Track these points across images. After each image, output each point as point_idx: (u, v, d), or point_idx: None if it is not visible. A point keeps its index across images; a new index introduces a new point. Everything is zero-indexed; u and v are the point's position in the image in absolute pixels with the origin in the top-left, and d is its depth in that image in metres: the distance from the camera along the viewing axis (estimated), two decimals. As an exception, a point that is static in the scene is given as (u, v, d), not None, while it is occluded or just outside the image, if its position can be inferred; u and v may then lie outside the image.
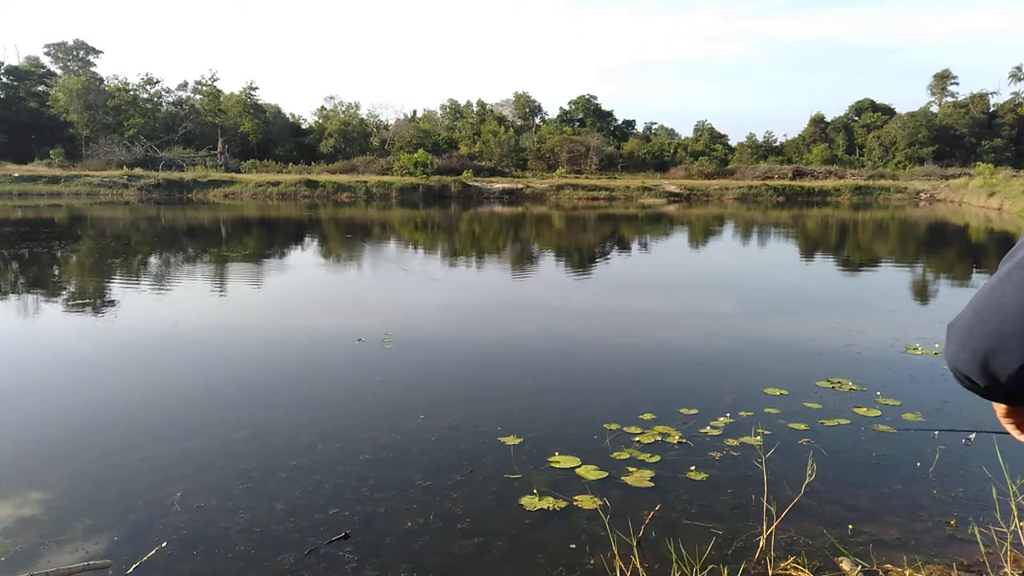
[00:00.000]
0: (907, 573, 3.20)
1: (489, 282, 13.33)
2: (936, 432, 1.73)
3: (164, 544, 3.45)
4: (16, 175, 42.15)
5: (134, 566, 3.25)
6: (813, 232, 25.74)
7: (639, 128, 71.93)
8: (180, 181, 43.20)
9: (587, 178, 52.18)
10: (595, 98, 68.49)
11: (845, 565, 3.27)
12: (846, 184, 48.86)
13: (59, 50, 59.74)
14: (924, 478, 4.30)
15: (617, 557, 3.11)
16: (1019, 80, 63.27)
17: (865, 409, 5.49)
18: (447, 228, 26.46)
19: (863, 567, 3.25)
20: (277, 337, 8.18)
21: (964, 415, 5.40)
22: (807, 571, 3.22)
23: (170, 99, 60.31)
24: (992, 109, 63.76)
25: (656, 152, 62.66)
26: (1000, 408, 1.20)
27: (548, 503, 3.93)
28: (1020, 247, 0.99)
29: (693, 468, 4.38)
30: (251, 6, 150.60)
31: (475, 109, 68.33)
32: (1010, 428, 1.23)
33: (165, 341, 7.82)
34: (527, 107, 69.52)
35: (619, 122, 70.21)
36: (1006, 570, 3.19)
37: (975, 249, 19.95)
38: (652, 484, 4.19)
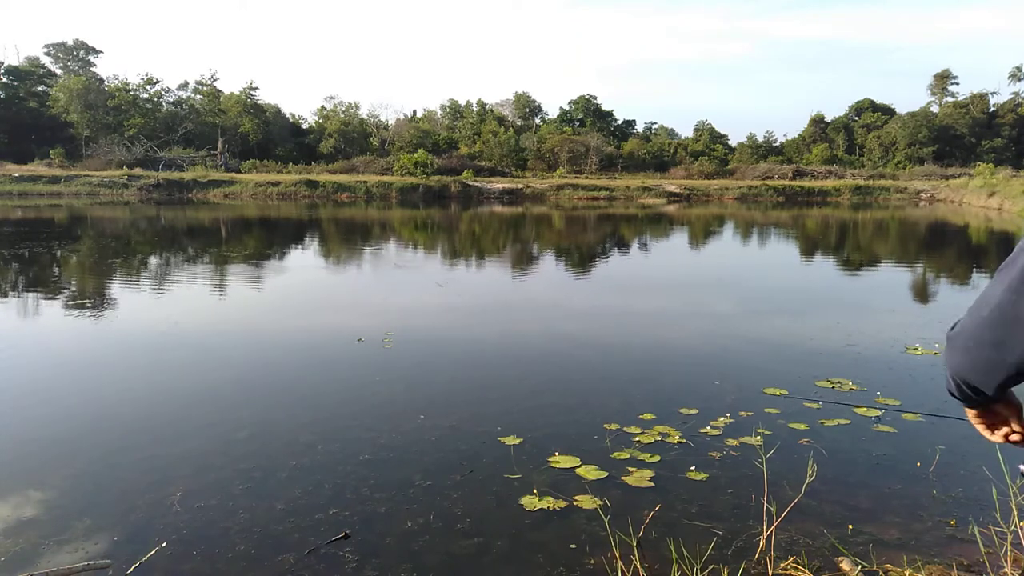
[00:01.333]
0: (907, 573, 3.20)
1: (489, 282, 13.33)
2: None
3: (164, 544, 3.45)
4: (16, 175, 42.15)
5: (134, 566, 3.25)
6: (813, 232, 25.74)
7: (639, 128, 71.97)
8: (180, 181, 43.20)
9: (587, 178, 52.18)
10: (595, 98, 68.57)
11: (845, 565, 3.27)
12: (846, 184, 48.86)
13: (59, 50, 59.74)
14: (924, 478, 4.30)
15: (618, 557, 3.11)
16: (1019, 80, 63.30)
17: (865, 409, 5.49)
18: (447, 228, 26.46)
19: (863, 567, 3.25)
20: (277, 337, 8.18)
21: (964, 415, 5.40)
22: (807, 571, 3.21)
23: (170, 99, 60.36)
24: (992, 109, 63.78)
25: (656, 152, 62.68)
26: (971, 411, 1.20)
27: (548, 503, 3.93)
28: (1019, 253, 0.98)
29: (693, 468, 4.38)
30: (251, 6, 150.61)
31: (475, 109, 68.35)
32: (981, 428, 1.23)
33: (165, 341, 7.82)
34: (527, 107, 69.55)
35: (619, 122, 70.24)
36: (1006, 570, 3.19)
37: (975, 249, 19.95)
38: (652, 484, 4.19)
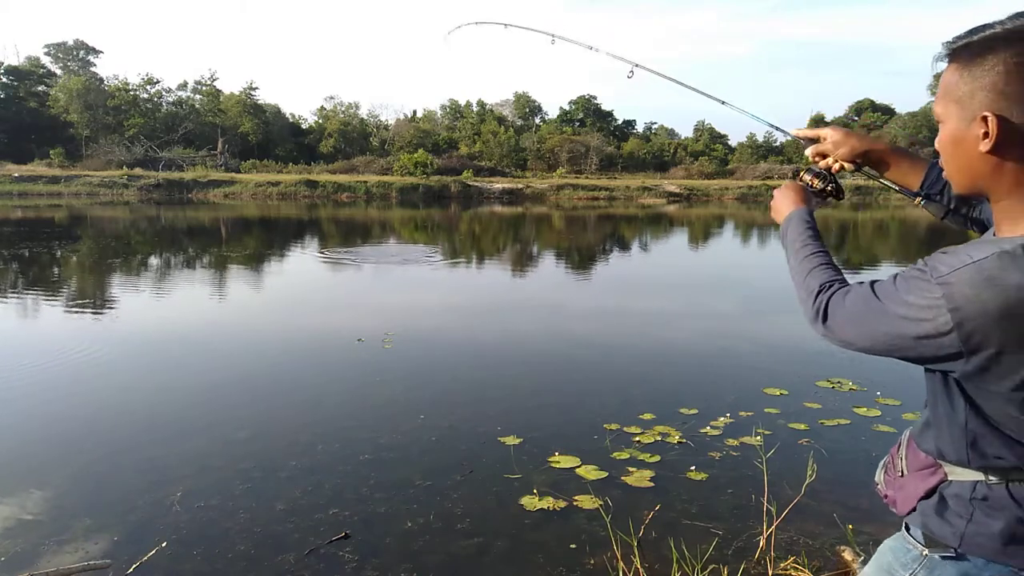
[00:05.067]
0: (907, 573, 3.19)
1: (489, 282, 13.33)
2: None
3: (164, 544, 3.45)
4: (16, 175, 42.17)
5: (134, 566, 3.24)
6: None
7: (639, 128, 72.04)
8: (180, 181, 43.24)
9: (587, 178, 52.22)
10: (595, 98, 68.61)
11: (847, 555, 3.27)
12: (846, 184, 48.87)
13: (59, 50, 59.76)
14: (924, 478, 4.29)
15: (619, 557, 3.11)
16: (1019, 80, 63.28)
17: (865, 409, 5.49)
18: (447, 228, 26.46)
19: (865, 558, 3.25)
20: (277, 337, 8.18)
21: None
22: (807, 571, 3.21)
23: (170, 99, 60.44)
24: (992, 109, 63.79)
25: (656, 152, 62.75)
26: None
27: (548, 503, 3.93)
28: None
29: (693, 468, 4.38)
30: (251, 7, 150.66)
31: (475, 109, 68.34)
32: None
33: (165, 341, 7.81)
34: (527, 107, 69.59)
35: (619, 122, 70.29)
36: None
37: (975, 249, 19.93)
38: (652, 484, 4.19)
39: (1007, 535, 1.06)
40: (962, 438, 1.11)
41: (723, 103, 1.89)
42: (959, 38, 1.05)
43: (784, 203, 1.51)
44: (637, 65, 2.07)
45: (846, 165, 1.50)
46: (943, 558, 1.13)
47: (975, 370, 1.02)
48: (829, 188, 1.50)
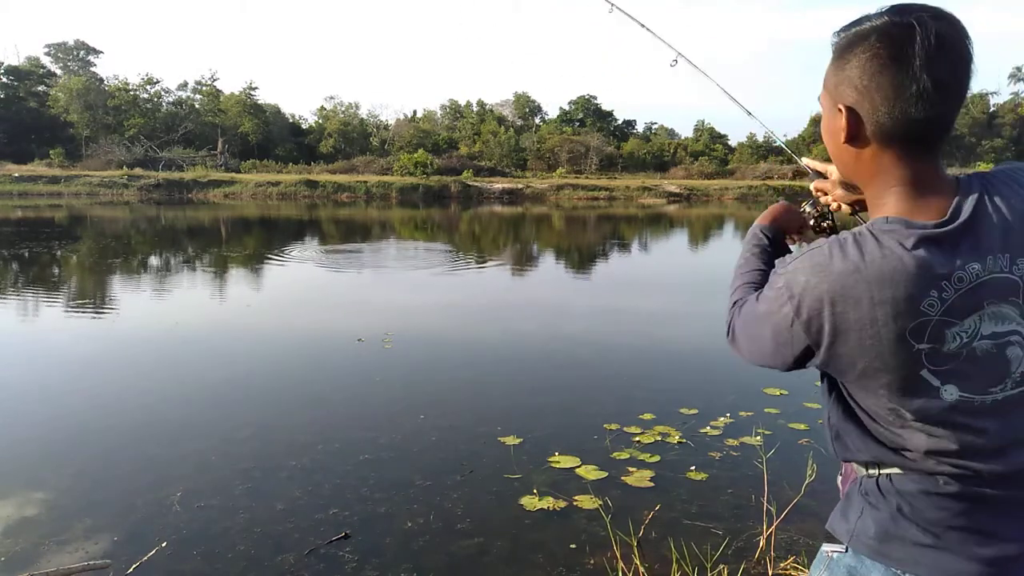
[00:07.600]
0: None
1: (489, 282, 13.33)
2: None
3: (164, 544, 3.45)
4: (16, 175, 42.18)
5: (134, 566, 3.24)
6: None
7: (639, 128, 72.08)
8: (180, 181, 43.25)
9: (587, 178, 52.23)
10: (595, 98, 68.64)
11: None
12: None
13: (59, 50, 59.81)
14: (924, 478, 4.29)
15: (618, 557, 3.11)
16: (1019, 80, 63.33)
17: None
18: (447, 228, 26.46)
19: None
20: (277, 337, 8.18)
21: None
22: (807, 571, 3.21)
23: (170, 99, 60.46)
24: (992, 109, 63.84)
25: (656, 152, 62.76)
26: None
27: (548, 503, 3.93)
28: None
29: (693, 468, 4.38)
30: (251, 7, 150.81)
31: (475, 109, 68.36)
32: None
33: (165, 341, 7.81)
34: (527, 107, 69.61)
35: (619, 122, 70.32)
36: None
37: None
38: (652, 484, 4.19)
39: (881, 532, 1.05)
40: (828, 432, 1.15)
41: (749, 114, 1.89)
42: (838, 31, 1.07)
43: (760, 217, 1.52)
44: (680, 55, 2.03)
45: (844, 207, 1.52)
46: (838, 556, 1.12)
47: (826, 361, 1.04)
48: (825, 225, 1.52)
